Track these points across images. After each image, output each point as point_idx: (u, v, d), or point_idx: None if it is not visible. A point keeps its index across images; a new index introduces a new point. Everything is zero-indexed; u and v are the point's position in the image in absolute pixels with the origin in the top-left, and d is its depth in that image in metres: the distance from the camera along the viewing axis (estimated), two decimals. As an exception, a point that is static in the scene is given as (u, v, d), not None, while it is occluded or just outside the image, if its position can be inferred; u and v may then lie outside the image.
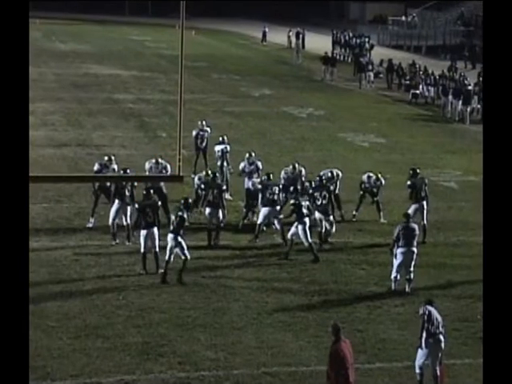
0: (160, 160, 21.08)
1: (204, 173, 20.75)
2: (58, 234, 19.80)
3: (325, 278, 17.49)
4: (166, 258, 16.95)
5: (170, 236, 16.96)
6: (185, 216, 17.24)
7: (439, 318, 12.88)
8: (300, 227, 18.23)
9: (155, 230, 17.50)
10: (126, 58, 53.68)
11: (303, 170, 21.49)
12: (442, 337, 12.83)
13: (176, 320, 15.26)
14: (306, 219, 18.40)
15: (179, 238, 16.90)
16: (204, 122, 25.44)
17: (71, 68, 48.46)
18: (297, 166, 21.32)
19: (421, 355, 12.84)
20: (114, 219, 19.09)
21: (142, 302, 16.02)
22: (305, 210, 18.41)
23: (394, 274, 16.90)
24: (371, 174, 21.20)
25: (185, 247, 16.95)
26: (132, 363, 13.54)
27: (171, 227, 17.11)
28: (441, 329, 12.82)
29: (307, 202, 18.83)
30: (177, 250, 16.90)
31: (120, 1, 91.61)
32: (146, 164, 21.27)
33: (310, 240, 18.27)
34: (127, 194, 19.14)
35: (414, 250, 16.90)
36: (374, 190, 21.07)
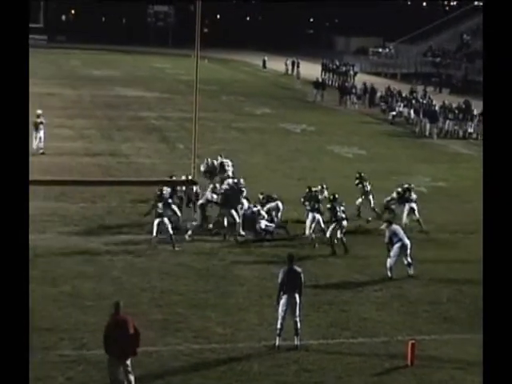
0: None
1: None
2: (93, 228, 19.81)
3: (315, 268, 17.45)
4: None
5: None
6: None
7: (301, 280, 13.32)
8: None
9: (165, 219, 18.29)
10: (149, 82, 53.68)
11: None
12: (297, 295, 13.20)
13: (191, 301, 15.26)
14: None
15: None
16: (229, 161, 23.31)
17: (104, 90, 48.48)
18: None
19: (281, 307, 13.19)
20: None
21: (163, 286, 16.03)
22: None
23: (389, 264, 17.00)
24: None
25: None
26: (154, 337, 13.51)
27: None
28: (295, 288, 13.20)
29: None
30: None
31: (145, 34, 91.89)
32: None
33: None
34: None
35: (407, 242, 17.09)
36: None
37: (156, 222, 18.38)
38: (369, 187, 21.83)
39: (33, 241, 17.59)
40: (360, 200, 21.73)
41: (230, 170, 22.98)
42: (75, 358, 12.58)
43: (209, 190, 20.30)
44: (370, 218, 21.08)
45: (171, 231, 18.34)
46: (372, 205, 21.68)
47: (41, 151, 28.01)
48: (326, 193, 20.12)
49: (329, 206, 19.01)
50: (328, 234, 18.71)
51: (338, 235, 18.68)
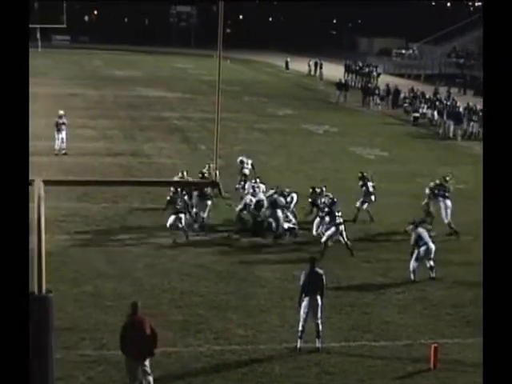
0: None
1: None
2: (115, 228, 19.88)
3: (337, 270, 17.40)
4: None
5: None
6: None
7: (323, 282, 13.38)
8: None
9: (181, 215, 18.77)
10: (171, 83, 53.83)
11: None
12: (318, 297, 13.24)
13: (212, 303, 15.27)
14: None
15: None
16: (249, 161, 24.00)
17: (126, 91, 48.66)
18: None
19: (303, 309, 13.21)
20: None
21: (184, 287, 16.05)
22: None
23: (413, 267, 16.92)
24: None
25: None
26: (174, 338, 13.56)
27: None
28: (317, 291, 13.25)
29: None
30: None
31: (167, 34, 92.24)
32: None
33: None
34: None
35: (432, 245, 17.00)
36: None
37: (172, 218, 18.71)
38: (372, 188, 21.43)
39: (55, 241, 17.82)
40: (364, 200, 21.22)
41: (246, 169, 23.29)
42: (96, 358, 12.64)
43: (248, 194, 20.27)
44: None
45: (185, 227, 18.79)
46: (368, 206, 21.24)
47: (63, 151, 28.18)
48: (330, 195, 19.91)
49: (327, 210, 18.87)
50: (323, 239, 18.47)
51: (342, 240, 18.49)
